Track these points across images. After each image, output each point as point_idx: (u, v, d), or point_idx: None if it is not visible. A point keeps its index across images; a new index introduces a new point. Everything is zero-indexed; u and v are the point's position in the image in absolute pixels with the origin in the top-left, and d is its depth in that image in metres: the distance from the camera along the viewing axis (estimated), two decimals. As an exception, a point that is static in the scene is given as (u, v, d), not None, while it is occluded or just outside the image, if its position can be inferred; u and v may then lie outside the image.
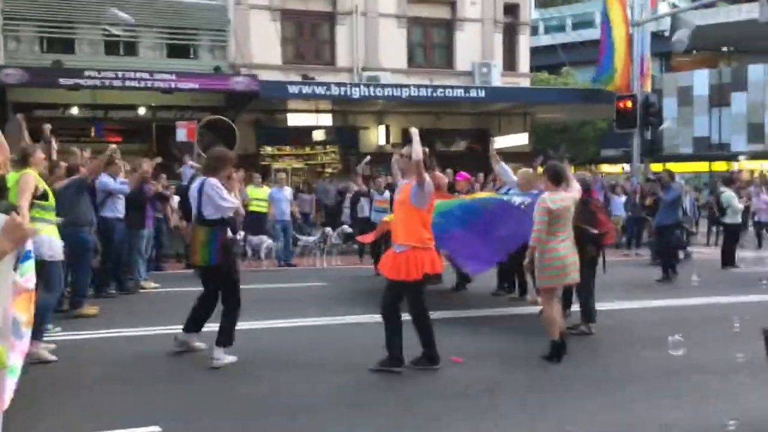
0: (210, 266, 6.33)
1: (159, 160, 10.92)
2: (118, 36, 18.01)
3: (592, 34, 34.68)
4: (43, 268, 5.72)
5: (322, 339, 7.24)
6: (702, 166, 39.78)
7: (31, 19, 17.88)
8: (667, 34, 35.53)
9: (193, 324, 6.49)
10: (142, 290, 10.15)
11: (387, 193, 12.51)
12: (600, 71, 18.10)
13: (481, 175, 15.14)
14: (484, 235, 8.19)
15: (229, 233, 6.92)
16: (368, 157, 13.34)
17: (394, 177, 7.49)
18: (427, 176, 5.59)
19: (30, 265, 4.68)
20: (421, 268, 5.62)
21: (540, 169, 7.81)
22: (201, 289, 6.56)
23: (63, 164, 8.15)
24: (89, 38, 18.53)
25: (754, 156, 37.96)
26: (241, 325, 6.36)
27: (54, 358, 6.08)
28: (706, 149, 41.35)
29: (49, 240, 6.22)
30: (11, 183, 6.05)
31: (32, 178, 6.08)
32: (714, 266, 13.77)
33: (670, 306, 9.31)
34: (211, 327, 6.37)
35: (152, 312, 8.44)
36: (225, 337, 6.12)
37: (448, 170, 12.91)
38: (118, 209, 9.54)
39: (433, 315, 6.05)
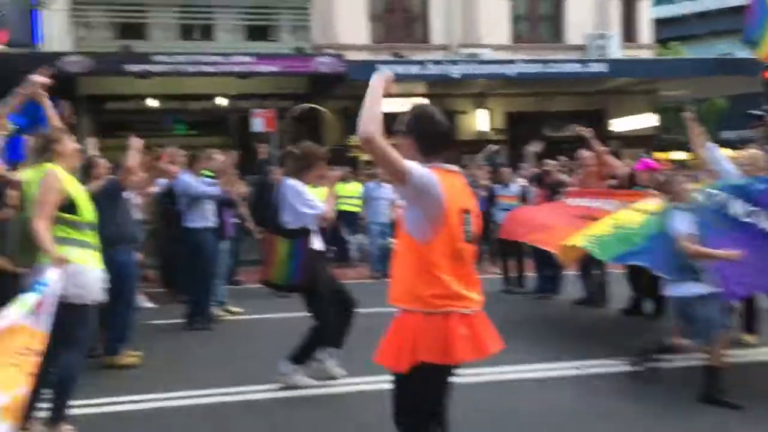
0: (290, 286, 5.42)
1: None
2: (192, 19, 16.60)
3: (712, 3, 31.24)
4: (66, 312, 3.84)
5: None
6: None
7: (101, 3, 16.54)
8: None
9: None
10: (223, 316, 8.04)
11: (515, 187, 10.18)
12: (750, 32, 15.08)
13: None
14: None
15: (316, 244, 5.37)
16: (492, 147, 11.06)
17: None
18: (406, 166, 2.78)
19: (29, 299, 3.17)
20: (415, 351, 2.82)
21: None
22: (296, 314, 5.74)
23: (101, 161, 6.25)
24: (162, 22, 17.10)
25: None
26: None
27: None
28: None
29: (78, 272, 4.11)
30: (29, 185, 4.20)
31: (55, 180, 4.17)
32: None
33: None
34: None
35: (237, 357, 6.50)
36: (300, 354, 5.30)
37: (561, 158, 10.56)
38: (206, 216, 7.42)
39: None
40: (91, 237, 4.35)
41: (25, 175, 4.35)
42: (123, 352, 6.07)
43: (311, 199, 5.31)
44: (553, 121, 18.99)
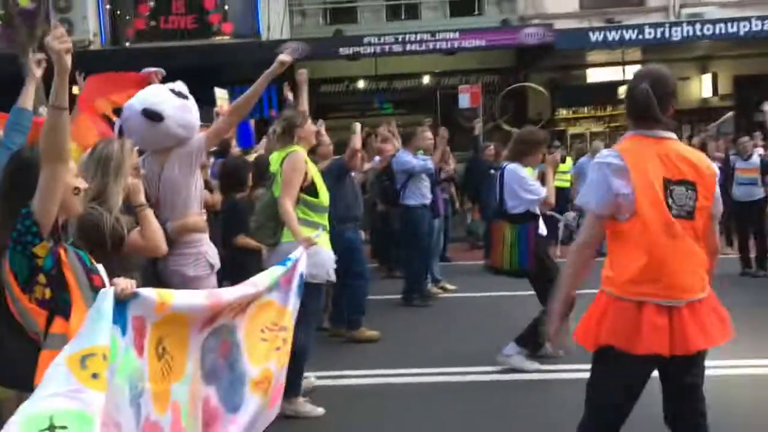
0: (518, 272, 5.30)
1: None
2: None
3: None
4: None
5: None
6: None
7: (314, -10, 17.33)
8: None
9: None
10: (438, 293, 8.12)
11: (755, 158, 9.10)
12: None
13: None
14: None
15: (542, 228, 5.35)
16: (730, 114, 10.04)
17: None
18: None
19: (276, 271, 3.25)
20: (599, 332, 2.66)
21: None
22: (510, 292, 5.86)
23: (327, 141, 6.49)
24: (371, 5, 17.56)
25: None
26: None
27: (320, 410, 4.54)
28: None
29: (314, 253, 4.14)
30: (274, 166, 4.48)
31: (300, 161, 4.41)
32: None
33: None
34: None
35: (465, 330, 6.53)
36: (527, 337, 5.14)
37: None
38: (423, 194, 7.49)
39: None
40: (325, 219, 4.52)
41: (272, 157, 4.61)
42: (362, 327, 6.31)
43: (533, 184, 5.27)
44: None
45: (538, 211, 5.32)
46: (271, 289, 3.14)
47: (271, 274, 3.22)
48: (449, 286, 8.30)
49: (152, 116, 3.62)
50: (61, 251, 2.44)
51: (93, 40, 15.61)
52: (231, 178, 5.32)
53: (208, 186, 4.96)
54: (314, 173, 4.53)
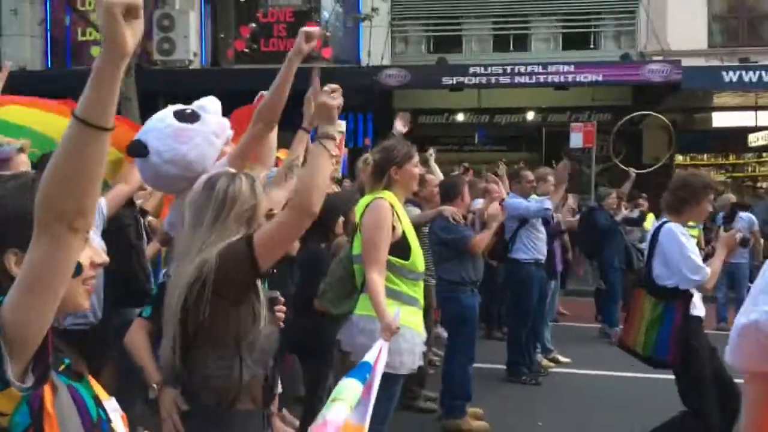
0: (654, 360, 4.11)
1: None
2: (508, 29, 15.98)
3: None
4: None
5: None
6: None
7: (417, 18, 16.61)
8: None
9: None
10: (549, 366, 6.90)
11: None
12: None
13: None
14: None
15: (698, 308, 4.08)
16: None
17: None
18: None
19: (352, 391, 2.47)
20: None
21: None
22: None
23: (434, 179, 5.52)
24: (477, 34, 16.68)
25: None
26: None
27: None
28: None
29: (401, 337, 3.20)
30: (358, 213, 3.51)
31: (387, 212, 3.34)
32: None
33: None
34: None
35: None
36: None
37: None
38: (537, 248, 6.31)
39: None
40: (419, 289, 3.45)
41: (361, 201, 3.63)
42: (465, 415, 5.17)
43: (696, 257, 3.95)
44: None
45: (693, 290, 4.04)
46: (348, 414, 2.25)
47: (346, 399, 2.32)
48: (562, 359, 7.08)
49: (134, 151, 2.74)
50: (47, 394, 1.32)
51: (193, 60, 15.43)
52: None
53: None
54: (405, 225, 3.43)
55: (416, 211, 5.12)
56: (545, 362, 6.81)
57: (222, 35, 16.51)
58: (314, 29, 2.92)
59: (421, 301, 3.42)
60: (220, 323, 2.18)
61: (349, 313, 3.36)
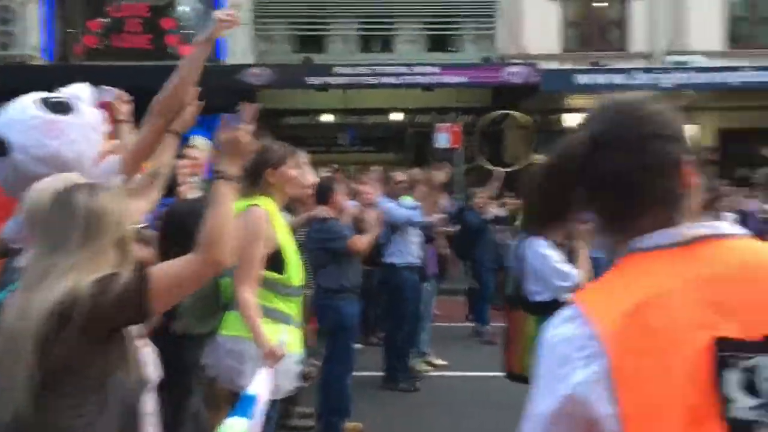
0: None
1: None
2: (373, 30, 15.97)
3: None
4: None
5: None
6: None
7: (282, 17, 16.22)
8: None
9: None
10: (426, 370, 6.76)
11: None
12: None
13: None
14: None
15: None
16: None
17: None
18: None
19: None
20: None
21: None
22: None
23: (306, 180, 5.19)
24: (342, 34, 16.52)
25: None
26: None
27: None
28: None
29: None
30: None
31: (261, 221, 3.00)
32: None
33: None
34: None
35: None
36: None
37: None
38: (411, 251, 6.16)
39: None
40: (295, 306, 3.14)
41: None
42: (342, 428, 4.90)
43: (560, 262, 3.96)
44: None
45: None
46: None
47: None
48: (438, 362, 6.96)
49: None
50: None
51: (34, 54, 14.23)
52: (175, 229, 3.63)
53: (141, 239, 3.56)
54: (282, 235, 3.11)
55: (288, 216, 4.81)
56: (422, 366, 6.68)
57: (71, 30, 15.31)
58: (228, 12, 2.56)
59: (298, 318, 3.12)
60: (80, 365, 1.78)
61: (213, 333, 3.00)
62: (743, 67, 13.97)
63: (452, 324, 8.84)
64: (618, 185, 1.15)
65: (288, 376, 2.97)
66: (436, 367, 6.84)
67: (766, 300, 1.03)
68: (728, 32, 16.65)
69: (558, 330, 1.08)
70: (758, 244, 1.12)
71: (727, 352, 0.98)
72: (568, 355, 1.03)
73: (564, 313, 1.10)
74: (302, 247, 4.79)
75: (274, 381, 2.77)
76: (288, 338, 2.96)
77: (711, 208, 7.63)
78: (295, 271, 3.11)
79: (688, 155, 1.17)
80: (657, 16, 16.42)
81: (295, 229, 4.24)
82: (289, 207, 5.11)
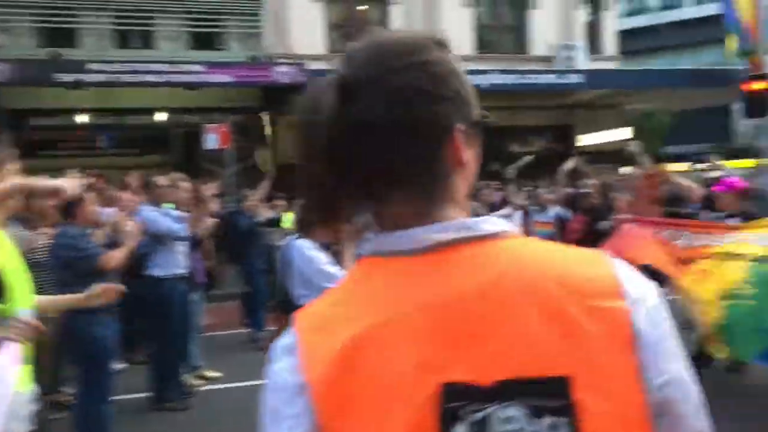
0: None
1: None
2: (129, 25, 14.98)
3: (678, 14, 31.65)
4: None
5: None
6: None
7: (24, 7, 14.63)
8: None
9: None
10: (198, 385, 6.34)
11: (552, 211, 8.56)
12: (742, 42, 14.25)
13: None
14: None
15: None
16: (527, 158, 9.49)
17: None
18: None
19: None
20: None
21: None
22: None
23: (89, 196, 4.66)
24: (95, 28, 15.30)
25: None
26: None
27: None
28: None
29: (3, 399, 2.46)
30: None
31: None
32: None
33: None
34: None
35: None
36: None
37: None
38: (176, 262, 5.75)
39: None
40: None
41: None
42: None
43: (325, 264, 3.85)
44: (520, 136, 18.04)
45: None
46: None
47: None
48: (212, 374, 6.66)
49: None
50: None
51: None
52: None
53: None
54: (4, 256, 2.64)
55: (24, 232, 4.26)
56: (194, 381, 6.31)
57: None
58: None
59: (27, 351, 2.70)
60: None
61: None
62: (492, 70, 15.13)
63: (228, 331, 8.55)
64: (358, 151, 0.85)
65: (17, 417, 2.55)
66: (209, 379, 6.50)
67: (506, 331, 0.78)
68: (477, 39, 18.09)
69: (277, 365, 0.85)
70: (526, 248, 0.86)
71: (456, 402, 0.76)
72: (279, 410, 0.82)
73: (284, 338, 0.86)
74: (41, 266, 4.30)
75: (3, 424, 2.37)
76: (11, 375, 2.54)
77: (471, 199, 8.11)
78: (23, 298, 2.69)
79: (463, 122, 0.89)
80: (413, 19, 17.35)
81: (30, 247, 3.77)
82: (27, 218, 4.57)
